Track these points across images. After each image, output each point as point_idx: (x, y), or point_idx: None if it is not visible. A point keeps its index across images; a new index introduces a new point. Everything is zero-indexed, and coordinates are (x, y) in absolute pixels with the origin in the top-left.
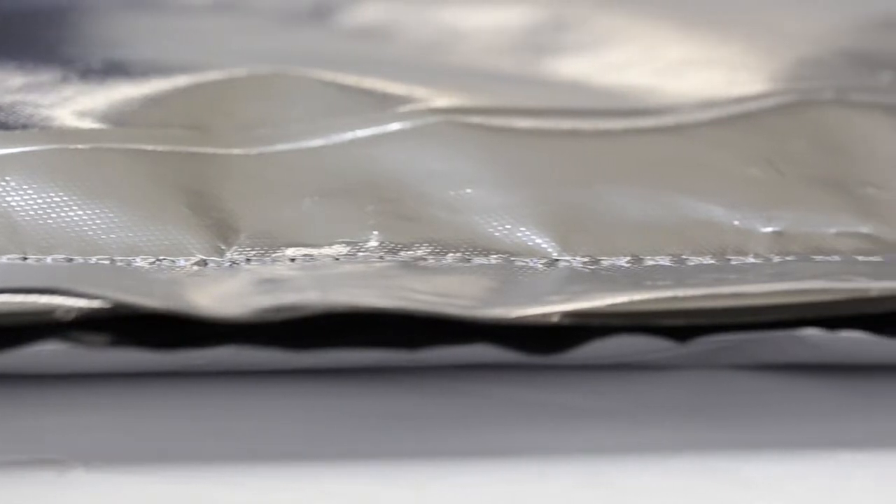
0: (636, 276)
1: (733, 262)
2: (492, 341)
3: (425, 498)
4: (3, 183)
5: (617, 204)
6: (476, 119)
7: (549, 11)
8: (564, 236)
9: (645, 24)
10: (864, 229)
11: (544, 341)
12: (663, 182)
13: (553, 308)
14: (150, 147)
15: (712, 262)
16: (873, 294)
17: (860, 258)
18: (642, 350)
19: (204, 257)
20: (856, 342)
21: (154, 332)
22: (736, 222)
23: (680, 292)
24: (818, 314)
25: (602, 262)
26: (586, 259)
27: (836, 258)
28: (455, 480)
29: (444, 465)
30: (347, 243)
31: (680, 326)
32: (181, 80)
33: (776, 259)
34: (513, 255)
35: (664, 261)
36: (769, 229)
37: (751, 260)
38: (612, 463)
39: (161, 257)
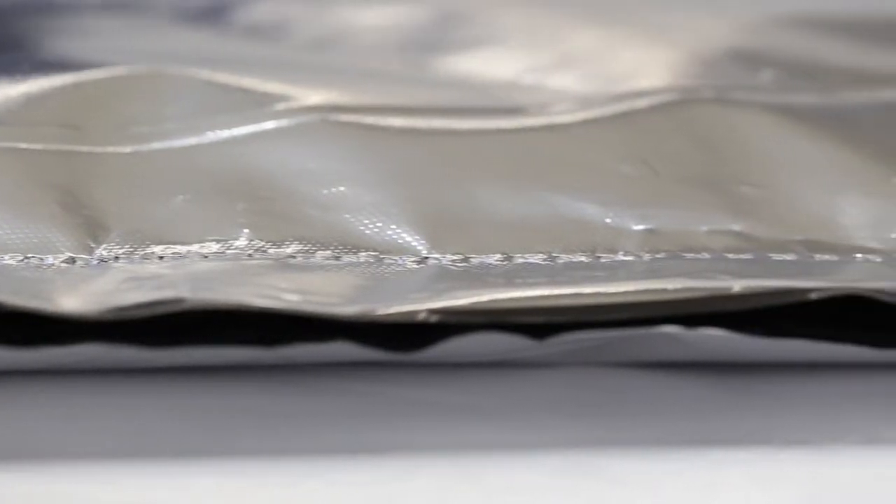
0: (507, 274)
1: (603, 260)
2: (356, 339)
3: (297, 495)
4: None
5: (489, 202)
6: (349, 117)
7: (439, 9)
8: (435, 234)
9: (529, 21)
10: (736, 227)
11: (416, 339)
12: (536, 180)
13: (418, 306)
14: (24, 145)
15: (583, 259)
16: (735, 292)
17: (730, 256)
18: (503, 348)
19: (73, 255)
20: (719, 339)
21: (24, 329)
22: (608, 220)
23: (543, 291)
24: (680, 311)
25: (472, 259)
26: (457, 257)
27: (707, 256)
28: (327, 478)
29: (315, 463)
30: (217, 241)
31: (542, 324)
32: (62, 80)
33: (646, 257)
34: (383, 253)
35: (535, 258)
36: (641, 227)
37: (621, 258)
38: (485, 460)
39: (29, 255)
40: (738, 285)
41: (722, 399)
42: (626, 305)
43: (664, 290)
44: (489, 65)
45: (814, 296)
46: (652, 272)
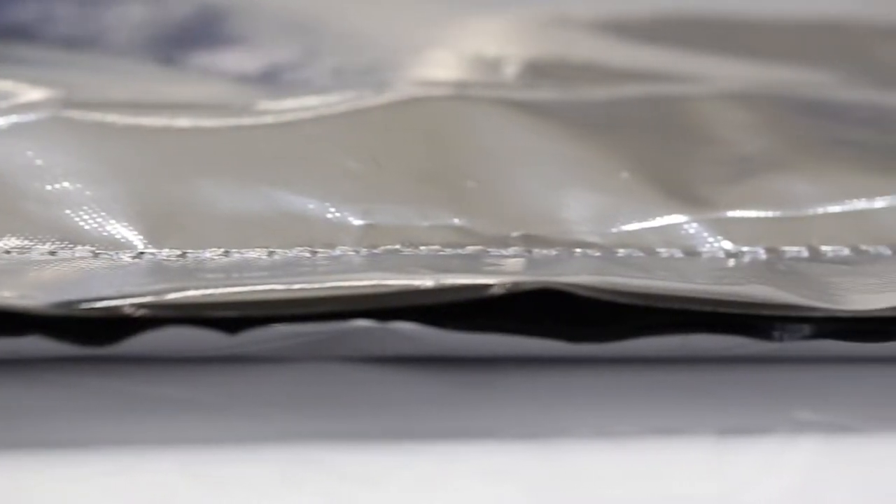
0: (224, 269)
1: (321, 255)
2: (54, 334)
3: (16, 490)
4: None
5: (210, 198)
6: (76, 114)
7: (201, 5)
8: (154, 230)
9: (284, 17)
10: (457, 222)
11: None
12: (259, 176)
13: (121, 301)
14: None
15: (301, 254)
16: (427, 287)
17: (448, 251)
18: (198, 342)
19: None
20: (431, 334)
21: None
22: (329, 215)
23: (234, 288)
24: (375, 306)
25: (189, 255)
26: (174, 252)
27: (423, 250)
28: (47, 473)
29: (36, 456)
30: None
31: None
32: None
33: (364, 251)
34: (100, 248)
35: (253, 254)
36: (361, 222)
37: (337, 252)
38: (209, 454)
39: None
40: (429, 280)
41: (451, 394)
42: (320, 300)
43: (353, 287)
44: (235, 61)
45: (495, 291)
46: (365, 267)
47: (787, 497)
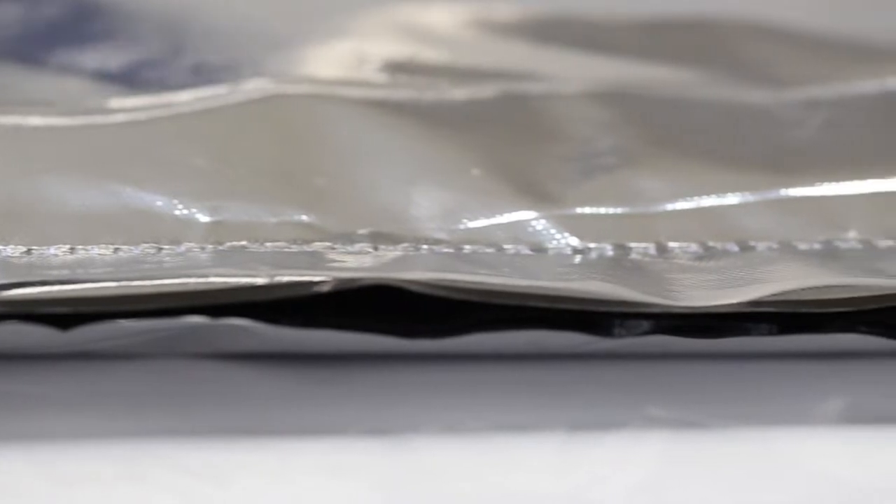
0: (69, 266)
1: (165, 251)
2: None
3: None
4: None
5: (56, 195)
6: None
7: (71, 3)
8: (0, 226)
9: (161, 13)
10: (305, 218)
11: None
12: (108, 173)
13: None
14: None
15: (147, 250)
16: (260, 283)
17: (293, 248)
18: (31, 339)
19: None
20: (276, 331)
21: None
22: (176, 212)
23: (72, 286)
24: (212, 302)
25: (34, 251)
26: (20, 249)
27: (269, 247)
28: None
29: None
30: None
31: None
32: None
33: (209, 248)
34: None
35: (98, 250)
36: (209, 219)
37: (182, 249)
38: (55, 450)
39: None
40: (262, 277)
41: (298, 390)
42: (155, 296)
43: (186, 283)
44: (98, 59)
45: (324, 287)
46: (209, 263)
47: (636, 493)
